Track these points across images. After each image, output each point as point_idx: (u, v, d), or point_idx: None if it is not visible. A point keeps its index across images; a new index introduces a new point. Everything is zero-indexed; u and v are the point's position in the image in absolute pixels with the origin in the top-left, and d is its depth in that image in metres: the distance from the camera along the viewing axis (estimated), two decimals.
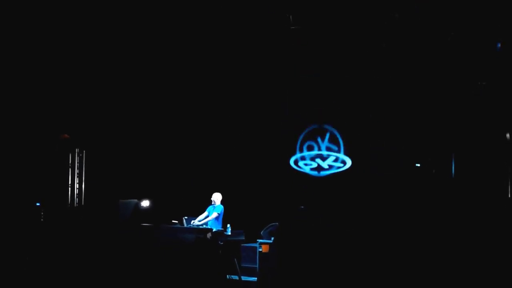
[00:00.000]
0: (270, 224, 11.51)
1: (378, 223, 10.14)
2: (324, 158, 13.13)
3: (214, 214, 11.62)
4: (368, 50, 12.05)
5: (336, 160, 13.04)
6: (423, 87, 11.59)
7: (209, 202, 11.87)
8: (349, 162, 12.85)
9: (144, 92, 13.90)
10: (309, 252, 9.36)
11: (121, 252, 11.00)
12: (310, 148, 13.29)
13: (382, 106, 12.23)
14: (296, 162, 13.32)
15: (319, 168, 13.15)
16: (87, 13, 12.38)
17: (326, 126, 13.14)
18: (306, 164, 13.28)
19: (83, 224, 12.90)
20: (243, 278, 11.34)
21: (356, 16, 11.83)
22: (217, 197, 11.85)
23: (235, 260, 11.39)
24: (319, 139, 13.23)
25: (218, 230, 11.33)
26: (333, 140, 13.09)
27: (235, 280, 11.19)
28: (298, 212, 9.53)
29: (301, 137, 13.32)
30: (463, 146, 11.20)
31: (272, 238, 10.99)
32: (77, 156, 13.68)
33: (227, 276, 11.22)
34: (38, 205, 12.85)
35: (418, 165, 11.89)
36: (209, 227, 11.39)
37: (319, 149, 13.18)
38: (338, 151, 13.01)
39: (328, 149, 13.14)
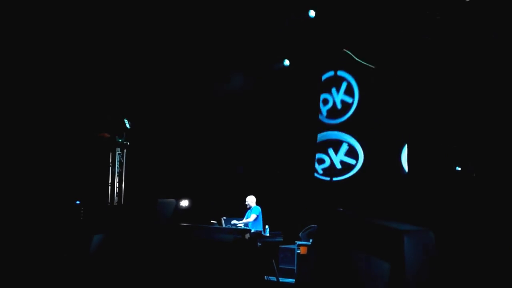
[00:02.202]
0: (309, 226, 11.42)
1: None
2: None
3: (253, 216, 11.58)
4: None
5: None
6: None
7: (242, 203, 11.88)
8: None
9: (184, 93, 13.96)
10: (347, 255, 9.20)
11: (158, 251, 11.00)
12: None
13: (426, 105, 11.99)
14: None
15: None
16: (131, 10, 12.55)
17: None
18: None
19: (122, 223, 12.96)
20: (281, 279, 11.26)
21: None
22: (251, 200, 11.82)
23: (273, 261, 11.33)
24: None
25: (257, 231, 11.28)
26: None
27: (273, 281, 11.12)
28: (336, 213, 9.39)
29: None
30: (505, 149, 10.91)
31: (311, 240, 10.89)
32: (118, 155, 13.78)
33: (265, 277, 11.16)
34: (78, 204, 12.95)
35: (459, 168, 11.60)
36: (248, 228, 11.36)
37: None
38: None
39: None
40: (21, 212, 12.34)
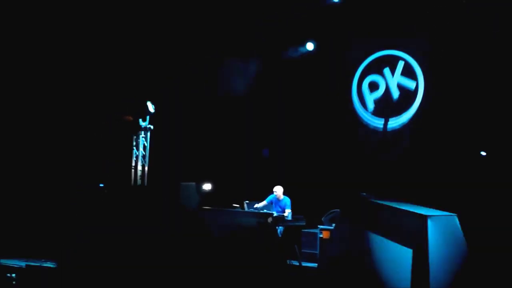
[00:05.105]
0: (332, 210, 11.37)
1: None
2: None
3: (287, 211, 11.60)
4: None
5: None
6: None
7: (269, 186, 11.82)
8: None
9: (207, 76, 13.94)
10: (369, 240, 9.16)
11: (181, 234, 11.04)
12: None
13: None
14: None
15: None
16: None
17: None
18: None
19: (145, 206, 13.01)
20: (303, 263, 11.26)
21: None
22: (280, 190, 11.77)
23: (296, 245, 11.32)
24: None
25: (279, 215, 11.28)
26: None
27: (296, 265, 11.11)
28: (360, 198, 9.35)
29: None
30: None
31: (333, 225, 10.86)
32: (141, 138, 13.80)
33: (288, 261, 11.15)
34: (101, 186, 13.02)
35: (484, 153, 11.43)
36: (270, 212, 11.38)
37: None
38: None
39: None
40: (46, 194, 12.48)
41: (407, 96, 12.68)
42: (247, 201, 11.88)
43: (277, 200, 11.73)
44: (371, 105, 13.30)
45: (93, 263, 9.85)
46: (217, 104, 14.08)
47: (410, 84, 12.68)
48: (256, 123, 14.10)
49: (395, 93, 12.90)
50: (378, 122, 13.12)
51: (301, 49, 13.82)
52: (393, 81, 12.92)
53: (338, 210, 10.83)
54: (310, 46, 13.71)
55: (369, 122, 13.28)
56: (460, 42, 11.49)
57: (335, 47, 13.52)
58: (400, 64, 12.80)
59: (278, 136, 13.98)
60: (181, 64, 13.97)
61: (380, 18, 12.55)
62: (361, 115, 13.40)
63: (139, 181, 13.56)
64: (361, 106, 13.38)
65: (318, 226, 11.52)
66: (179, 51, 13.79)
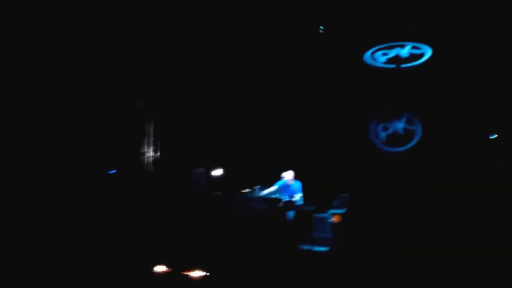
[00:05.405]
0: (342, 195, 11.32)
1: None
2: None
3: (298, 195, 11.56)
4: None
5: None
6: None
7: (278, 171, 11.80)
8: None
9: (216, 61, 13.89)
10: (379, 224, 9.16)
11: (192, 220, 11.08)
12: None
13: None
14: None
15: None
16: None
17: None
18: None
19: (157, 193, 13.07)
20: (315, 248, 11.24)
21: None
22: (289, 175, 11.73)
23: (307, 230, 11.30)
24: None
25: (289, 200, 11.25)
26: None
27: (307, 250, 11.11)
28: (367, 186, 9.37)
29: None
30: None
31: (344, 209, 10.83)
32: (152, 124, 13.83)
33: (299, 246, 11.15)
34: (114, 172, 13.09)
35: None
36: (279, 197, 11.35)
37: None
38: None
39: None
40: (60, 178, 12.52)
41: None
42: (258, 186, 11.83)
43: (287, 185, 11.68)
44: None
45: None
46: (225, 89, 14.03)
47: None
48: (267, 106, 14.04)
49: None
50: None
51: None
52: None
53: (347, 194, 10.81)
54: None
55: None
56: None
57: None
58: None
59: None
60: (192, 49, 13.92)
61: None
62: None
63: (150, 168, 13.62)
64: None
65: (329, 210, 11.47)
66: (188, 42, 13.71)
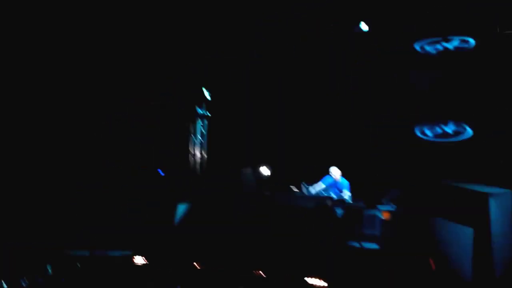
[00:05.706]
0: (392, 191, 11.26)
1: None
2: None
3: (347, 193, 11.57)
4: None
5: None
6: None
7: (324, 167, 11.81)
8: None
9: (262, 60, 13.92)
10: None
11: (243, 220, 11.14)
12: None
13: None
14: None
15: None
16: None
17: None
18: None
19: (205, 193, 13.14)
20: (364, 245, 11.19)
21: None
22: (336, 172, 11.70)
23: (356, 227, 11.25)
24: None
25: (338, 197, 11.26)
26: None
27: (356, 247, 11.07)
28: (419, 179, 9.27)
29: None
30: None
31: (394, 206, 10.77)
32: (199, 125, 13.94)
33: (348, 243, 11.12)
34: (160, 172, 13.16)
35: None
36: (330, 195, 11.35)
37: None
38: None
39: None
40: (107, 178, 12.63)
41: None
42: (305, 183, 11.84)
43: (335, 182, 11.67)
44: None
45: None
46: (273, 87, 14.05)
47: None
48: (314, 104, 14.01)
49: None
50: None
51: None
52: None
53: (397, 190, 10.75)
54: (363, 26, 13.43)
55: None
56: None
57: None
58: None
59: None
60: (236, 49, 13.97)
61: None
62: None
63: (198, 169, 13.74)
64: None
65: (379, 207, 11.41)
66: (231, 38, 13.77)
